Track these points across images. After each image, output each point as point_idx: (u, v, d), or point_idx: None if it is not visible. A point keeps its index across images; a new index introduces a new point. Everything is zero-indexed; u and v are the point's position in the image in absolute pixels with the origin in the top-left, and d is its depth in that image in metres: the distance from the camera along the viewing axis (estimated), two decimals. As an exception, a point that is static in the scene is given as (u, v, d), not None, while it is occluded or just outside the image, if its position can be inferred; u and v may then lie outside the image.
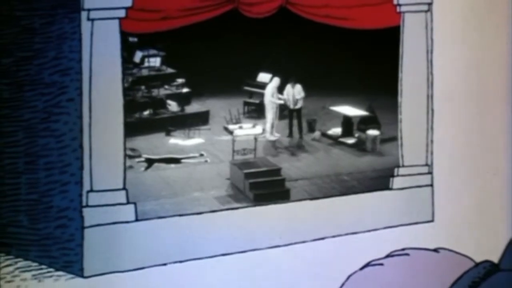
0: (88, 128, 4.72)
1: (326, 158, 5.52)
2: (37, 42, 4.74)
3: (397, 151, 5.48)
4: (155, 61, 5.33)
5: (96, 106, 4.72)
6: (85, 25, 4.70)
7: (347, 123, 5.66)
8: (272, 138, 5.58)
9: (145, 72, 5.36)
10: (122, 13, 4.78)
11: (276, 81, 5.57)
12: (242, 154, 5.36)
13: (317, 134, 5.63)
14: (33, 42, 4.74)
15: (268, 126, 5.60)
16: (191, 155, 5.22)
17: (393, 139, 5.49)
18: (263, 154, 5.45)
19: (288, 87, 5.61)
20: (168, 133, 5.33)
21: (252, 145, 5.39)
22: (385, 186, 5.37)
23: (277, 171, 5.27)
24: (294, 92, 5.58)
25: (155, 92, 5.41)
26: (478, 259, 4.42)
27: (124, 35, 4.81)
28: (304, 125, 5.65)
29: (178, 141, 5.30)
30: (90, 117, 4.71)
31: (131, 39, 5.16)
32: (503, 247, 4.68)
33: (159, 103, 5.42)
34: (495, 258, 4.47)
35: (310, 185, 5.22)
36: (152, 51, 5.29)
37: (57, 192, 4.76)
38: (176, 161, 5.15)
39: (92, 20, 4.71)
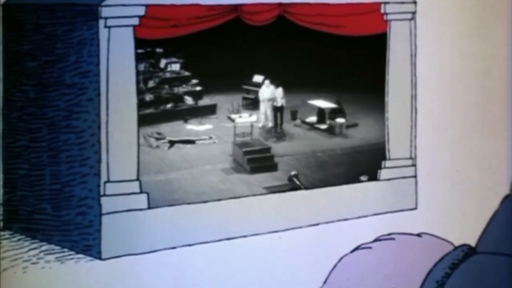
0: (106, 125, 4.76)
1: (305, 139, 6.09)
2: (59, 48, 4.81)
3: (358, 134, 6.03)
4: (176, 66, 5.82)
5: (112, 105, 4.77)
6: (103, 32, 4.73)
7: (321, 113, 6.27)
8: (264, 124, 6.00)
9: (168, 75, 5.88)
10: (136, 21, 4.82)
11: (267, 83, 5.96)
12: (241, 137, 5.92)
13: (298, 121, 6.26)
14: (56, 48, 4.82)
15: (261, 115, 5.99)
16: (203, 137, 5.79)
17: (355, 125, 6.12)
18: (257, 136, 5.99)
19: (272, 88, 5.97)
20: (185, 121, 5.92)
21: (249, 130, 5.98)
22: (355, 177, 5.52)
23: (268, 149, 5.81)
24: (276, 93, 5.96)
25: (175, 90, 6.00)
26: (457, 243, 4.56)
27: (138, 41, 4.84)
28: (288, 114, 6.15)
29: (193, 127, 5.91)
30: (107, 115, 4.75)
31: (158, 49, 5.45)
32: (479, 233, 4.82)
33: (179, 98, 6.01)
34: (472, 242, 4.62)
35: (293, 160, 5.77)
36: (173, 59, 5.80)
37: (77, 183, 4.82)
38: (192, 142, 5.70)
39: (109, 27, 4.74)
